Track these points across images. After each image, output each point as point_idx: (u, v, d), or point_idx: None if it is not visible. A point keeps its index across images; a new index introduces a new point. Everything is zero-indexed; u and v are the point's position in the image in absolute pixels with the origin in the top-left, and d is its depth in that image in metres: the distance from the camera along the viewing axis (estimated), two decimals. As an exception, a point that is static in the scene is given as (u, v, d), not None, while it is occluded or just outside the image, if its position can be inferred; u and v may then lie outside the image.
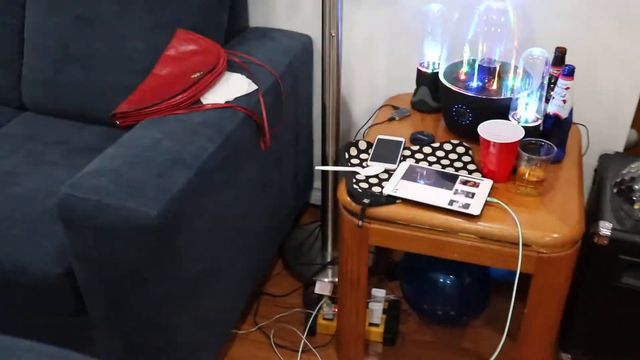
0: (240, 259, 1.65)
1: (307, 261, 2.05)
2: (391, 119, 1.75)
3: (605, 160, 1.76)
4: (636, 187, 1.57)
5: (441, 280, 1.75)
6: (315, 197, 2.32)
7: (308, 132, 2.09)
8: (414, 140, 1.64)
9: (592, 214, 1.60)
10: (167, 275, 1.30)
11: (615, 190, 1.62)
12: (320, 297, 1.85)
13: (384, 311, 1.83)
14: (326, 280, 1.94)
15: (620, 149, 1.88)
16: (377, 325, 1.80)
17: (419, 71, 1.76)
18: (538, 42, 1.70)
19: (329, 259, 2.06)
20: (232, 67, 1.66)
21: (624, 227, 1.51)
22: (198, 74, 1.55)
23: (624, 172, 1.63)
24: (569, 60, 1.57)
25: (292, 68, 1.83)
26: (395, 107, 1.80)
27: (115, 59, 1.74)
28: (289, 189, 1.97)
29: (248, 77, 1.63)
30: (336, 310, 1.80)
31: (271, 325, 1.85)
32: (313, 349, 1.77)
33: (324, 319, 1.82)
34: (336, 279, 1.93)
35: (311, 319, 1.81)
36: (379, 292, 1.80)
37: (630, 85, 1.79)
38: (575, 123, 1.70)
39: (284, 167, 1.88)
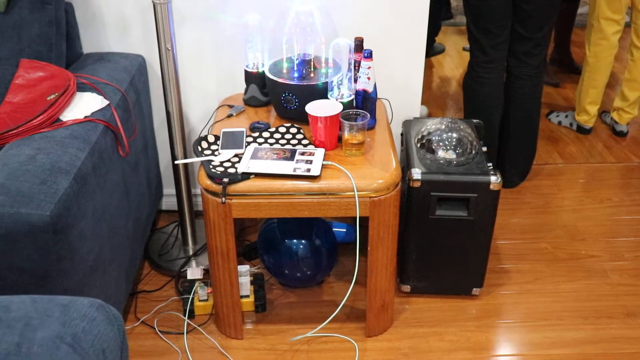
0: (116, 258, 1.82)
1: (172, 258, 2.25)
2: (229, 116, 2.01)
3: (407, 124, 2.17)
4: (433, 139, 1.98)
5: (295, 247, 2.04)
6: (166, 203, 2.51)
7: (153, 142, 2.29)
8: (253, 128, 1.92)
9: (406, 167, 1.98)
10: (65, 271, 1.46)
11: (418, 145, 2.02)
12: (193, 282, 2.06)
13: (251, 283, 2.08)
14: (195, 268, 2.14)
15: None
16: (247, 296, 2.04)
17: (246, 72, 2.04)
18: (340, 35, 2.06)
19: (191, 253, 2.27)
20: (82, 88, 1.83)
21: (430, 170, 1.91)
22: (53, 96, 1.71)
23: (422, 129, 2.05)
24: (365, 47, 1.94)
25: (134, 84, 2.03)
26: (230, 106, 2.06)
27: (-36, 94, 1.82)
28: (146, 194, 2.15)
29: (98, 94, 1.81)
30: (210, 291, 2.02)
31: (152, 317, 2.03)
32: (197, 327, 1.98)
33: (200, 300, 2.03)
34: (202, 267, 2.15)
35: (189, 302, 2.01)
36: (244, 268, 2.05)
37: (415, 68, 2.23)
38: (379, 98, 2.09)
39: (140, 173, 2.06)
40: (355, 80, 1.89)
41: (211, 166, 1.73)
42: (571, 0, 3.58)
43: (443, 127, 2.01)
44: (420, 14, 2.13)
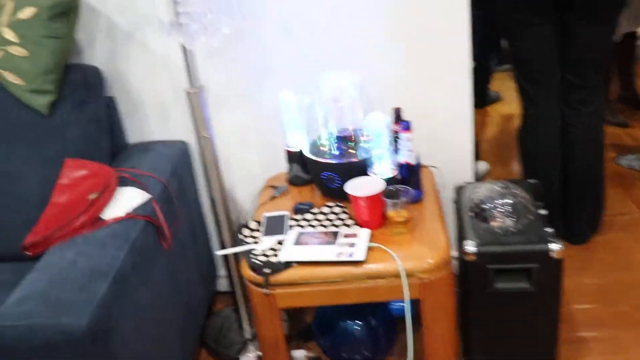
0: (165, 354, 1.78)
1: (229, 343, 2.20)
2: (273, 197, 1.97)
3: (459, 191, 2.07)
4: (485, 206, 1.88)
5: (352, 328, 1.95)
6: (223, 284, 2.48)
7: (202, 226, 2.28)
8: (296, 210, 1.87)
9: (460, 238, 1.88)
10: (105, 378, 1.43)
11: (471, 214, 1.92)
12: (247, 371, 2.00)
13: (307, 368, 2.00)
14: (250, 355, 2.09)
15: (470, 179, 2.21)
16: (303, 383, 1.97)
17: (287, 152, 2.01)
18: (377, 107, 2.00)
19: (248, 337, 2.22)
20: (124, 182, 1.84)
21: (484, 242, 1.80)
22: (94, 195, 1.72)
23: (473, 197, 1.94)
24: (407, 116, 1.87)
25: (176, 172, 2.03)
26: (274, 187, 2.03)
27: (12, 198, 1.86)
28: (196, 280, 2.13)
29: (140, 188, 1.82)
30: (265, 379, 1.95)
31: (208, 410, 1.97)
32: (251, 419, 1.91)
33: (255, 390, 1.97)
34: (258, 353, 2.09)
35: (244, 393, 1.95)
36: (299, 352, 1.98)
37: (462, 131, 2.15)
38: (426, 166, 2.00)
39: (188, 261, 2.04)
40: (397, 152, 1.82)
41: (252, 256, 1.69)
42: (629, 34, 3.42)
43: (495, 193, 1.90)
44: (462, 75, 2.07)
